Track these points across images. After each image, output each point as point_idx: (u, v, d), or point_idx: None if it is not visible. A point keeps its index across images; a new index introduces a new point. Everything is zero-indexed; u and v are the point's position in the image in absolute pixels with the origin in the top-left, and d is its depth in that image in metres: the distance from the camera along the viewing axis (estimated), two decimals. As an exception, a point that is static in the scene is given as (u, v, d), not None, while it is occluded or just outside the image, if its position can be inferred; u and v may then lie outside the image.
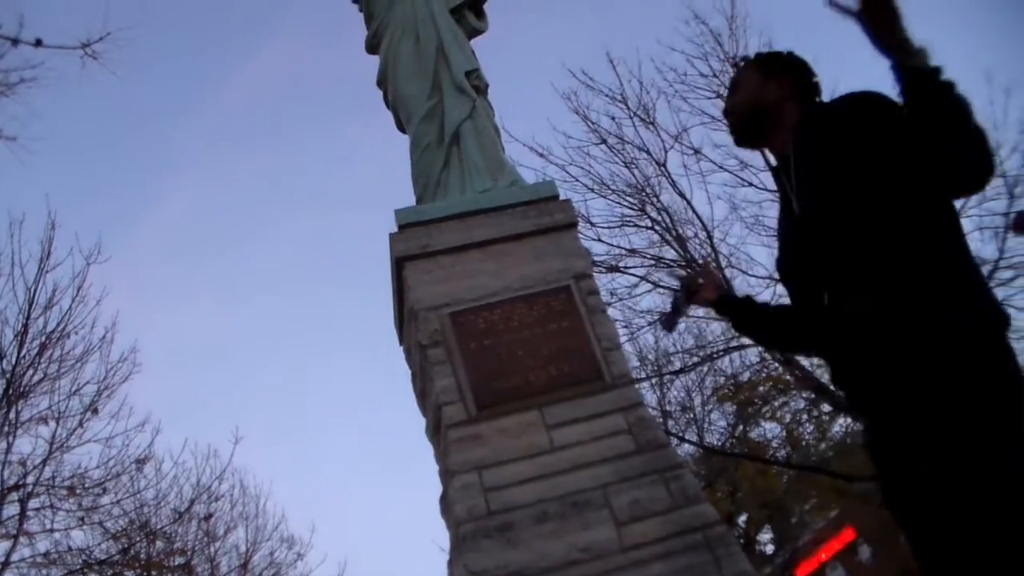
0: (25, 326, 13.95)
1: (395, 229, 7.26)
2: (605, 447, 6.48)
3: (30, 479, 13.95)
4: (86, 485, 14.97)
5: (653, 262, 15.92)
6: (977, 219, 15.78)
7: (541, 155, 16.07)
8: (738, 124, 3.43)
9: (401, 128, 8.61)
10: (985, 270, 15.64)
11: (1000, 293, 15.85)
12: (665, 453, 6.62)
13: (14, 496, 13.70)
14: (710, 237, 15.85)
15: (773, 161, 3.45)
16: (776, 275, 15.84)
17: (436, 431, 7.01)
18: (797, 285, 3.23)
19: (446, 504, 6.76)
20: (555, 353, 6.71)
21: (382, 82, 8.69)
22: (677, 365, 19.09)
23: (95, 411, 14.84)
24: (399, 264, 7.13)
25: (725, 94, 3.60)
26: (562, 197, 7.71)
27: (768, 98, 3.31)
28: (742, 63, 3.61)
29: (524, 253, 7.12)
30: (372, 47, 8.95)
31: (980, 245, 15.79)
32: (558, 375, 6.64)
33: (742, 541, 24.36)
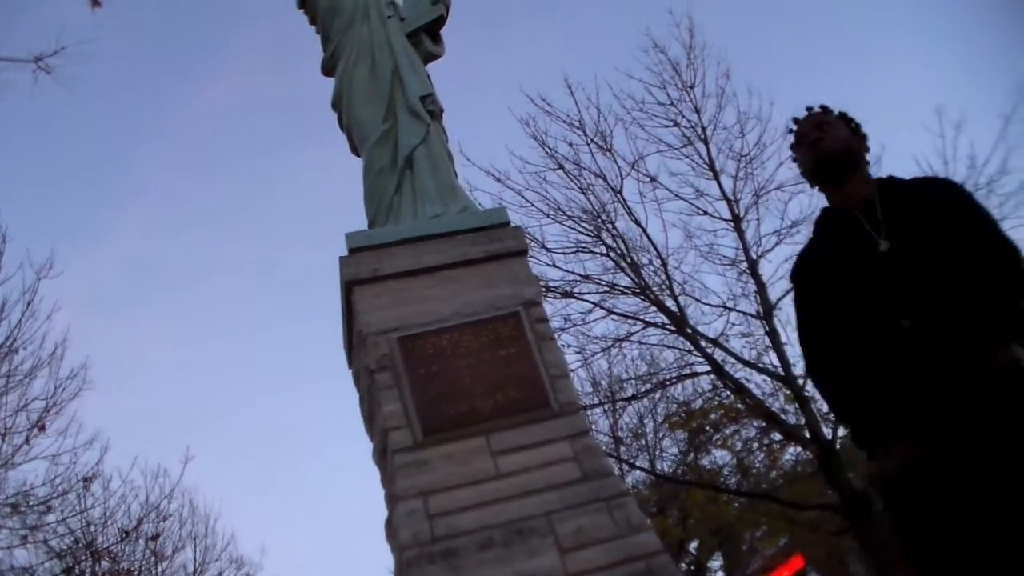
0: (-29, 340, 13.77)
1: (346, 253, 7.24)
2: (551, 474, 6.49)
3: (-28, 496, 13.73)
4: (31, 503, 14.77)
5: (607, 288, 15.98)
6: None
7: (498, 179, 16.12)
8: (828, 161, 3.73)
9: (355, 151, 8.60)
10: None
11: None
12: (610, 481, 6.64)
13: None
14: (664, 265, 15.96)
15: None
16: (729, 304, 15.87)
17: (383, 455, 6.98)
18: (866, 313, 3.42)
19: (391, 529, 6.73)
20: (503, 380, 6.71)
21: (337, 104, 8.68)
22: (630, 391, 19.19)
23: (42, 428, 14.67)
24: (348, 288, 7.12)
25: (808, 123, 3.88)
26: (518, 222, 7.76)
27: (857, 148, 3.73)
28: (820, 108, 3.91)
29: (474, 279, 7.13)
30: (328, 69, 8.94)
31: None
32: (505, 402, 6.65)
33: (692, 567, 24.44)
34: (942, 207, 3.37)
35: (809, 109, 3.93)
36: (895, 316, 3.28)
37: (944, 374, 3.11)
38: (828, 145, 3.71)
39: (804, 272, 3.76)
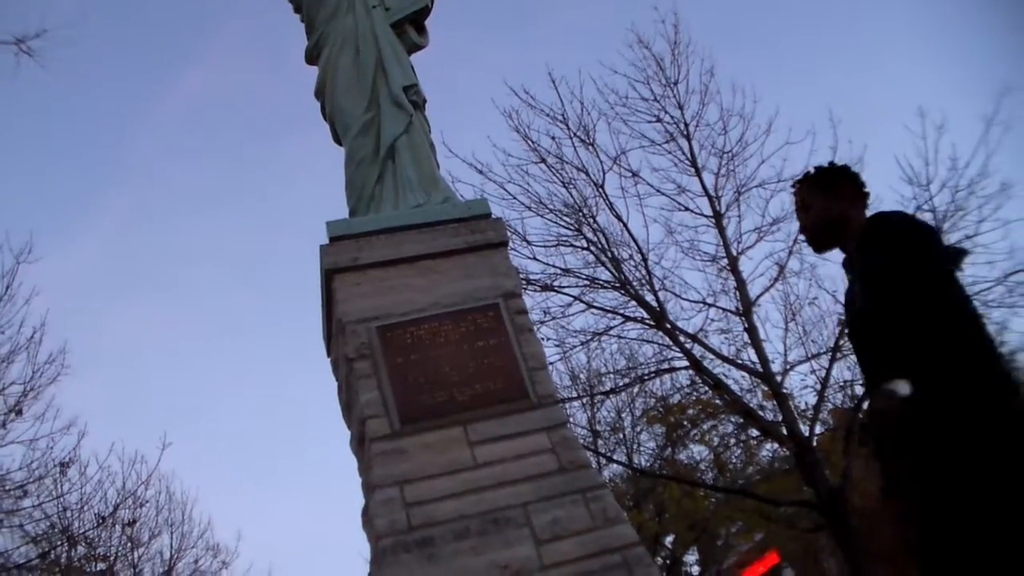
0: (-54, 322, 13.70)
1: (327, 241, 7.24)
2: (528, 465, 6.52)
3: (-53, 480, 13.67)
4: (6, 487, 14.67)
5: (587, 282, 15.99)
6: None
7: (480, 172, 16.06)
8: (816, 239, 4.17)
9: (337, 140, 8.59)
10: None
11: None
12: (587, 473, 6.67)
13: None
14: (645, 260, 15.97)
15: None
16: (709, 300, 16.00)
17: (360, 444, 6.99)
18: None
19: (368, 517, 6.73)
20: (481, 371, 6.73)
21: (320, 93, 8.67)
22: (608, 385, 19.20)
23: (19, 412, 14.56)
24: (329, 276, 7.12)
25: (795, 204, 4.32)
26: (500, 214, 7.78)
27: (835, 212, 4.01)
28: (801, 184, 4.23)
29: (454, 270, 7.14)
30: (312, 58, 8.93)
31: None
32: (483, 392, 6.67)
33: (668, 562, 24.49)
34: (887, 257, 3.60)
35: (794, 185, 4.28)
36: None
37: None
38: (810, 230, 4.15)
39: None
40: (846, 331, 4.31)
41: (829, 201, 4.03)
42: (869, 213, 4.03)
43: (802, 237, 4.54)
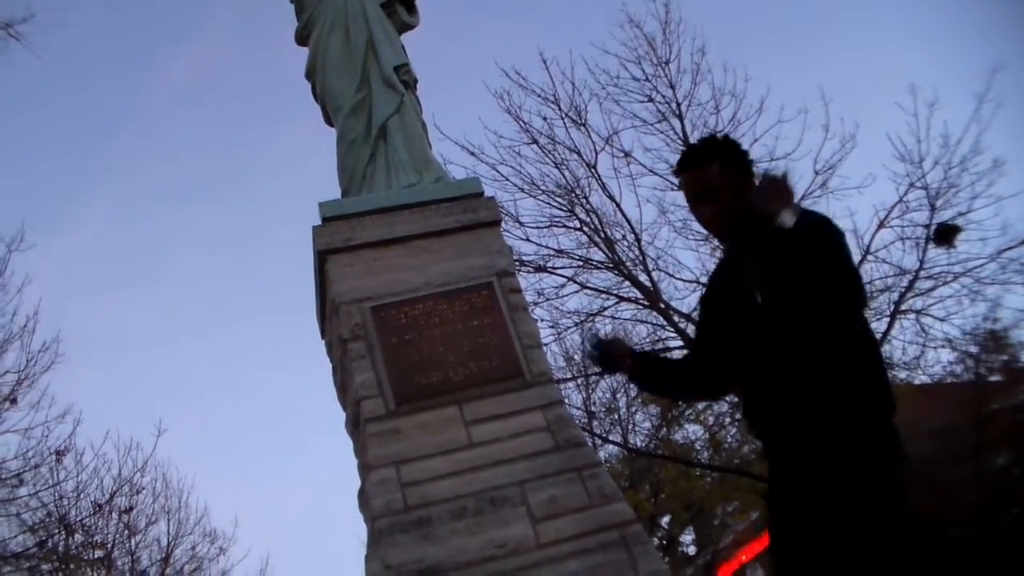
0: (-61, 311, 13.66)
1: (320, 222, 7.21)
2: (523, 444, 6.51)
3: (-58, 469, 13.64)
4: (2, 476, 14.66)
5: (581, 263, 15.98)
6: (899, 230, 16.07)
7: (472, 153, 16.02)
8: (723, 232, 3.75)
9: (329, 121, 8.54)
10: (905, 280, 15.98)
11: (919, 302, 16.19)
12: (583, 451, 6.67)
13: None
14: (638, 240, 15.97)
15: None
16: (703, 279, 16.03)
17: (355, 425, 6.98)
18: (716, 344, 3.74)
19: (364, 498, 6.73)
20: (476, 350, 6.72)
21: (311, 74, 8.62)
22: (603, 366, 19.18)
23: (14, 401, 14.55)
24: (322, 257, 7.09)
25: (691, 190, 3.73)
26: (492, 196, 7.72)
27: (745, 203, 3.53)
28: (694, 164, 3.68)
29: (447, 249, 7.12)
30: (302, 39, 8.87)
31: (902, 256, 16.05)
32: (478, 372, 6.66)
33: (664, 542, 24.57)
34: (806, 264, 3.36)
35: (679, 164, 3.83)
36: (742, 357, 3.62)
37: None
38: (715, 219, 3.70)
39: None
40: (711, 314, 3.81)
41: (733, 192, 3.58)
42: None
43: (697, 223, 4.06)
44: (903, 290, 15.98)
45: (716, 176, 3.58)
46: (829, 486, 3.21)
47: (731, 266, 3.75)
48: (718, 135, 4.07)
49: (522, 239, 15.68)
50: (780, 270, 3.37)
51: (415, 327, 6.72)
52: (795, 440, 3.37)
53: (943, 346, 17.21)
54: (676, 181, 3.97)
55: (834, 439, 3.25)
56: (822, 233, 3.40)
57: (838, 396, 3.29)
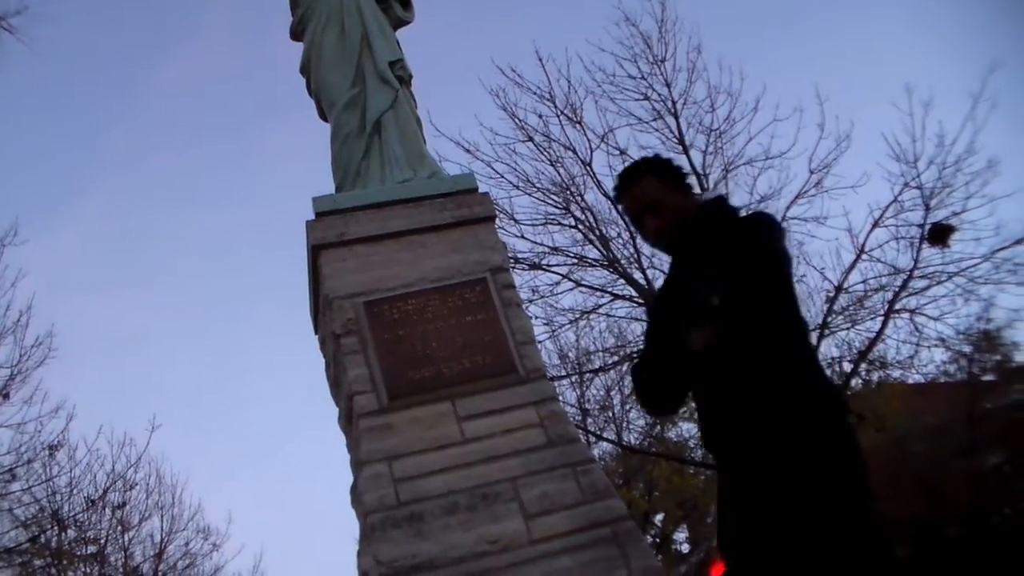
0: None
1: (313, 217, 7.20)
2: (516, 440, 6.50)
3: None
4: (-6, 471, 14.64)
5: (575, 260, 15.97)
6: (894, 229, 16.09)
7: (467, 150, 16.01)
8: (673, 239, 3.77)
9: (323, 116, 8.53)
10: (900, 279, 15.99)
11: (913, 302, 16.20)
12: (576, 447, 6.66)
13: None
14: (633, 238, 15.94)
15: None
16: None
17: (348, 420, 6.97)
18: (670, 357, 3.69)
19: (356, 494, 6.72)
20: (469, 345, 6.70)
21: (305, 70, 8.61)
22: (597, 364, 19.20)
23: (6, 396, 14.53)
24: (315, 252, 7.08)
25: (633, 207, 3.86)
26: (486, 192, 7.71)
27: (687, 212, 3.68)
28: (648, 180, 3.78)
29: (441, 245, 7.10)
30: (296, 34, 8.86)
31: (896, 255, 16.07)
32: (471, 367, 6.65)
33: (658, 540, 24.58)
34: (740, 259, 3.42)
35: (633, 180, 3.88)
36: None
37: None
38: (667, 231, 3.75)
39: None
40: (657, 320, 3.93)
41: (677, 202, 3.72)
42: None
43: (646, 238, 4.12)
44: (897, 289, 15.99)
45: (653, 188, 3.71)
46: (787, 495, 3.20)
47: (679, 278, 3.79)
48: (646, 156, 4.15)
49: (517, 236, 15.66)
50: (727, 270, 3.41)
51: (408, 322, 6.71)
52: (750, 451, 3.35)
53: (937, 345, 17.22)
54: (620, 208, 4.08)
55: (790, 447, 3.24)
56: (755, 222, 3.55)
57: (792, 404, 3.28)
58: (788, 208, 16.23)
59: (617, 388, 21.19)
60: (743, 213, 3.74)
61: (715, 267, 3.43)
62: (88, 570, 18.53)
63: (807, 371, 3.38)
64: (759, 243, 3.38)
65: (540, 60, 16.31)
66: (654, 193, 3.70)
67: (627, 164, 4.09)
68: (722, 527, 3.54)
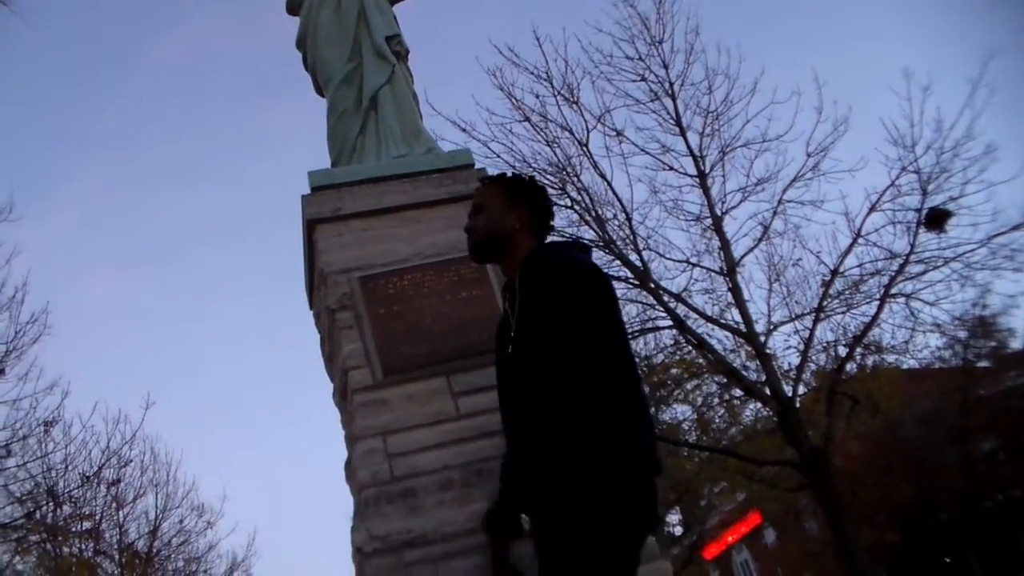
0: (-74, 281, 13.60)
1: (308, 192, 7.16)
2: (511, 416, 6.47)
3: (-70, 440, 13.62)
4: (-10, 447, 14.66)
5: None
6: (890, 213, 16.13)
7: (464, 130, 16.04)
8: (476, 246, 4.09)
9: (319, 91, 8.49)
10: (896, 264, 16.01)
11: (909, 286, 16.23)
12: (571, 424, 6.62)
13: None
14: (629, 219, 16.00)
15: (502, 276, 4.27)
16: (693, 260, 16.09)
17: (342, 396, 6.95)
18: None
19: (350, 469, 6.71)
20: (465, 321, 6.67)
21: (301, 44, 8.56)
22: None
23: (2, 372, 14.58)
24: (310, 227, 7.04)
25: (470, 210, 4.23)
26: (483, 168, 7.68)
27: (506, 228, 3.90)
28: (488, 181, 4.21)
29: (437, 220, 7.06)
30: (292, 8, 8.80)
31: (893, 239, 16.11)
32: (467, 343, 6.61)
33: (651, 522, 24.64)
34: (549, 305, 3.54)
35: (480, 181, 4.30)
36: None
37: None
38: (472, 230, 4.07)
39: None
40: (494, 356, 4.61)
41: (504, 212, 3.92)
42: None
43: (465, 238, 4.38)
44: (893, 274, 16.07)
45: (492, 195, 3.97)
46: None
47: (506, 318, 3.99)
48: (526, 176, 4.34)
49: (513, 216, 15.65)
50: (524, 318, 3.64)
51: (404, 297, 6.68)
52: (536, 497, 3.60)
53: (932, 331, 17.33)
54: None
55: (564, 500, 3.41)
56: (557, 279, 3.55)
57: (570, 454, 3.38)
58: (785, 191, 16.26)
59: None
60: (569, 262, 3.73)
61: (519, 312, 3.67)
62: (83, 546, 18.60)
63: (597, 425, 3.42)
64: (566, 311, 3.44)
65: (537, 40, 16.36)
66: (489, 199, 3.97)
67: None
68: None
